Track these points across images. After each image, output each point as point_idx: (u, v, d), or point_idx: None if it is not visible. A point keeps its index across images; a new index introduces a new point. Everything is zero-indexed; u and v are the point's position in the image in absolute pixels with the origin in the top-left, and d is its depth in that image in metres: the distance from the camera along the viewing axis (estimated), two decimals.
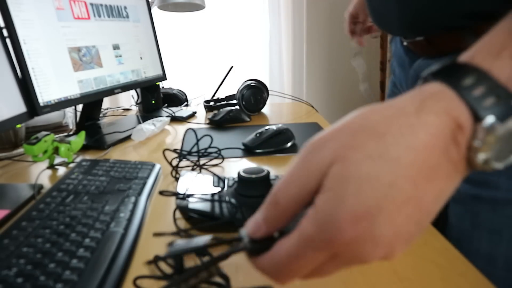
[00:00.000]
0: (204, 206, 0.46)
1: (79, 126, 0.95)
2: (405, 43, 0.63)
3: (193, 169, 0.66)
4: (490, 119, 0.20)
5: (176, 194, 0.49)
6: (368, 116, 0.22)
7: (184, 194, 0.49)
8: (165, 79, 1.20)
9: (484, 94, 0.20)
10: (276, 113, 1.17)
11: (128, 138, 0.89)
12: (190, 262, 0.40)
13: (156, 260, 0.39)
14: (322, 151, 0.22)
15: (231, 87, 1.24)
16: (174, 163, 0.66)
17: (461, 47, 0.51)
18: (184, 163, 0.70)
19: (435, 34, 0.53)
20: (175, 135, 0.94)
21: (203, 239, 0.28)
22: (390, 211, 0.20)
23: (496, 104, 0.20)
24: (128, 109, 1.34)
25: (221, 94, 1.20)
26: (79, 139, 0.74)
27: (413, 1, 0.51)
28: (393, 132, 0.21)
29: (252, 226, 0.25)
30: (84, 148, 0.81)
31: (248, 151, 0.76)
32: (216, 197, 0.48)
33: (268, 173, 0.49)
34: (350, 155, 0.21)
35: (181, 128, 1.00)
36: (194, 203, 0.46)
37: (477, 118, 0.20)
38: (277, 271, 0.23)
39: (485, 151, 0.20)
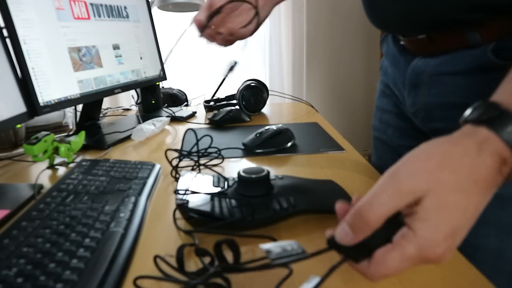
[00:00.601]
0: (204, 206, 0.46)
1: (79, 126, 0.95)
2: (402, 42, 0.62)
3: (193, 169, 0.66)
4: None
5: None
6: (447, 151, 0.29)
7: (185, 191, 0.49)
8: (165, 79, 1.20)
9: None
10: (276, 113, 1.17)
11: (128, 138, 0.89)
12: (190, 262, 0.40)
13: (156, 260, 0.39)
14: (413, 180, 0.28)
15: (231, 87, 1.24)
16: (174, 163, 0.66)
17: (463, 44, 0.50)
18: (184, 163, 0.70)
19: (438, 31, 0.52)
20: (175, 135, 0.94)
21: (294, 246, 0.31)
22: (465, 228, 0.28)
23: None
24: (128, 109, 1.34)
25: (221, 94, 1.20)
26: (79, 139, 0.74)
27: None
28: (464, 169, 0.28)
29: (341, 233, 0.30)
30: (84, 148, 0.81)
31: (248, 151, 0.76)
32: (216, 197, 0.48)
33: (268, 173, 0.49)
34: (440, 189, 0.28)
35: (181, 128, 1.00)
36: (194, 203, 0.46)
37: None
38: (379, 277, 0.29)
39: None
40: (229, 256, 0.35)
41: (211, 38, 0.65)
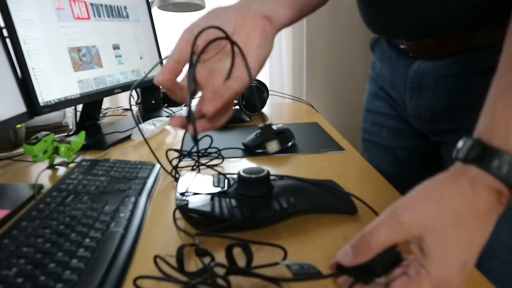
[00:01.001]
0: (204, 206, 0.46)
1: (79, 126, 0.95)
2: (402, 46, 0.61)
3: (193, 169, 0.66)
4: None
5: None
6: (443, 190, 0.31)
7: (185, 192, 0.49)
8: None
9: (510, 169, 0.29)
10: (276, 113, 1.17)
11: (128, 138, 0.89)
12: (190, 262, 0.40)
13: (156, 260, 0.39)
14: (412, 216, 0.30)
15: None
16: (174, 163, 0.66)
17: (470, 46, 0.49)
18: (184, 163, 0.70)
19: (447, 33, 0.52)
20: (175, 135, 0.94)
21: (310, 266, 0.35)
22: (473, 260, 0.31)
23: None
24: (128, 109, 1.34)
25: None
26: (79, 139, 0.74)
27: (437, 3, 0.48)
28: (460, 205, 0.30)
29: (342, 254, 0.34)
30: (84, 148, 0.81)
31: (248, 151, 0.76)
32: (216, 197, 0.48)
33: (268, 173, 0.49)
34: (438, 226, 0.30)
35: None
36: (194, 203, 0.46)
37: (510, 186, 0.30)
38: None
39: None
40: (228, 256, 0.35)
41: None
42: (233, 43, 0.39)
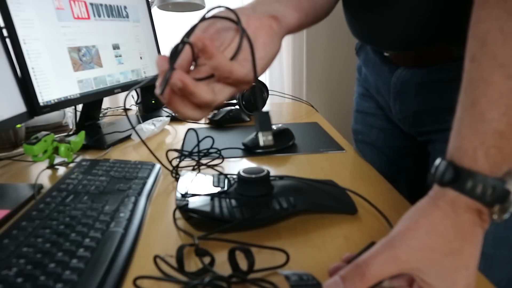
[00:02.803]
0: (204, 206, 0.46)
1: (79, 126, 0.95)
2: (386, 54, 0.63)
3: (193, 169, 0.66)
4: (496, 207, 0.30)
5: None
6: (429, 217, 0.31)
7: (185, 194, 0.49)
8: None
9: (484, 189, 0.30)
10: (276, 113, 1.17)
11: (128, 138, 0.89)
12: (190, 261, 0.40)
13: (156, 260, 0.39)
14: (408, 249, 0.30)
15: None
16: (174, 163, 0.66)
17: (448, 57, 0.51)
18: (184, 163, 0.70)
19: (426, 47, 0.54)
20: (175, 135, 0.94)
21: (310, 276, 0.33)
22: (473, 281, 0.31)
23: (493, 192, 0.30)
24: (128, 109, 1.34)
25: None
26: (79, 139, 0.74)
27: (429, 22, 0.50)
28: (449, 231, 0.30)
29: (331, 285, 0.31)
30: (84, 148, 0.81)
31: (248, 151, 0.76)
32: (216, 197, 0.48)
33: (268, 173, 0.49)
34: (434, 256, 0.30)
35: (181, 128, 1.00)
36: (194, 203, 0.46)
37: (488, 205, 0.30)
38: None
39: (499, 217, 0.30)
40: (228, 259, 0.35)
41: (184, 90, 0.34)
42: (243, 30, 0.36)
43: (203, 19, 0.37)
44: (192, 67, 0.38)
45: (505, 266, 0.51)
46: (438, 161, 0.33)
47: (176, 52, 0.35)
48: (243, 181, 0.49)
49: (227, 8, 0.38)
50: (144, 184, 0.57)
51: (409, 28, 0.51)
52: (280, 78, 1.97)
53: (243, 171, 0.49)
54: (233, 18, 0.37)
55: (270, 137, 0.36)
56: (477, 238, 0.31)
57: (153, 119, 0.96)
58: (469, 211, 0.31)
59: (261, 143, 0.35)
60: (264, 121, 0.36)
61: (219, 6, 0.38)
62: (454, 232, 0.31)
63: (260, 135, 0.35)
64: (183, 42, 0.35)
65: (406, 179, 0.71)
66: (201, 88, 0.34)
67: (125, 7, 1.02)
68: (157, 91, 0.33)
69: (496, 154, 0.30)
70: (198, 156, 0.70)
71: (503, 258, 0.51)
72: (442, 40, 0.51)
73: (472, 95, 0.32)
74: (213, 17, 0.38)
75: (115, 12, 0.98)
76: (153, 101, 1.18)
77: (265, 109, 1.17)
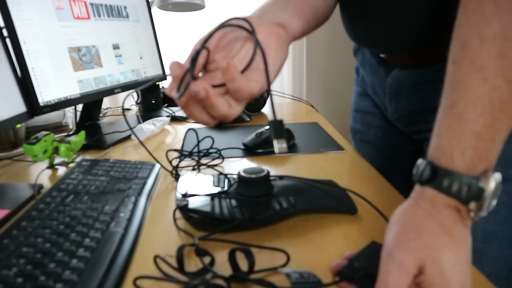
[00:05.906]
0: (204, 206, 0.46)
1: (79, 126, 0.95)
2: (382, 55, 0.64)
3: (193, 169, 0.66)
4: (472, 205, 0.31)
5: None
6: (414, 218, 0.33)
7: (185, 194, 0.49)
8: (165, 79, 1.20)
9: (459, 187, 0.31)
10: (276, 113, 1.16)
11: (128, 138, 0.89)
12: (190, 262, 0.40)
13: (156, 260, 0.39)
14: (409, 252, 0.31)
15: None
16: (174, 163, 0.66)
17: (442, 58, 0.52)
18: (184, 163, 0.70)
19: (419, 51, 0.55)
20: (175, 134, 0.94)
21: (310, 274, 0.34)
22: (468, 273, 0.31)
23: (468, 190, 0.31)
24: (128, 109, 1.34)
25: None
26: (79, 139, 0.74)
27: (422, 27, 0.51)
28: (435, 227, 0.32)
29: None
30: (84, 148, 0.81)
31: (248, 151, 0.76)
32: (216, 197, 0.48)
33: (268, 173, 0.49)
34: (432, 252, 0.30)
35: (181, 128, 1.00)
36: (194, 203, 0.46)
37: (463, 202, 0.31)
38: None
39: (477, 215, 0.32)
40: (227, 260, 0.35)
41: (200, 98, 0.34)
42: (256, 40, 0.37)
43: (222, 26, 0.38)
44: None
45: (494, 261, 0.52)
46: (419, 161, 0.35)
47: (196, 57, 0.36)
48: (243, 181, 0.49)
49: (241, 18, 0.39)
50: (144, 184, 0.57)
51: (402, 32, 0.53)
52: (280, 78, 1.97)
53: (243, 171, 0.49)
54: (247, 27, 0.38)
55: (284, 145, 0.36)
56: (461, 234, 0.32)
57: (153, 119, 0.96)
58: (448, 208, 0.32)
59: (276, 150, 0.36)
60: (279, 129, 0.36)
61: (237, 18, 0.39)
62: (439, 228, 0.31)
63: (275, 142, 0.36)
64: (204, 48, 0.37)
65: (404, 176, 0.72)
66: (221, 102, 0.35)
67: (125, 7, 1.02)
68: (175, 94, 0.34)
69: (473, 154, 0.31)
70: (198, 156, 0.70)
71: (492, 253, 0.52)
72: (434, 43, 0.52)
73: (451, 96, 0.33)
74: (229, 25, 0.39)
75: (115, 12, 0.98)
76: (153, 101, 1.18)
77: (265, 109, 1.17)
